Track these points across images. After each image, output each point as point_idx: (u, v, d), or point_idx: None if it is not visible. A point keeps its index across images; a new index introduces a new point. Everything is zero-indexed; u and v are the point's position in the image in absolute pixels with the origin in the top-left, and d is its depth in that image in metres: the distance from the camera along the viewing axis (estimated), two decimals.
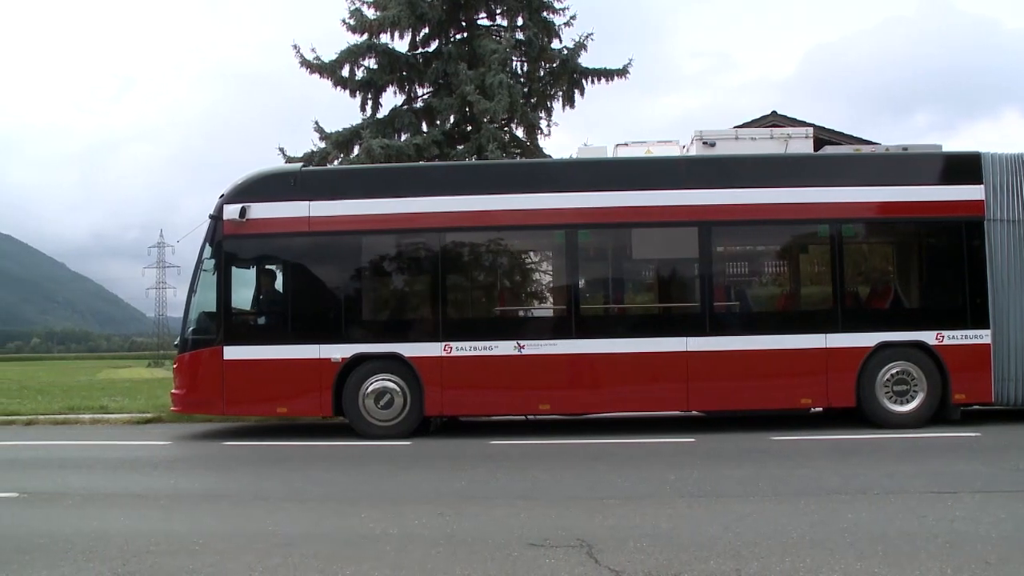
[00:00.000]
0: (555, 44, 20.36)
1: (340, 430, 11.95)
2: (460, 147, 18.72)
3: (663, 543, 5.46)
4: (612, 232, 12.19)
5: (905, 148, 12.32)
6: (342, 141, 19.01)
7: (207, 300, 12.09)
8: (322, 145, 19.29)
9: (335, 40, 19.79)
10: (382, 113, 20.04)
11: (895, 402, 11.50)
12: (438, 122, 19.50)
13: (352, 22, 19.65)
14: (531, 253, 13.11)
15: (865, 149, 13.13)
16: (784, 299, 12.71)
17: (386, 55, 19.72)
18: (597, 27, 20.56)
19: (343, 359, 11.66)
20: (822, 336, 11.54)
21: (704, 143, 12.35)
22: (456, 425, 12.72)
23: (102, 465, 10.01)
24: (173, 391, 12.61)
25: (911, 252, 12.68)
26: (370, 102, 20.07)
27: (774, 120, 17.21)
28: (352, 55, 19.64)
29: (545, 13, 20.20)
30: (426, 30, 20.03)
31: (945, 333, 11.52)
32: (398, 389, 11.59)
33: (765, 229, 12.25)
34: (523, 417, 12.58)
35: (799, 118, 17.21)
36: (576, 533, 5.70)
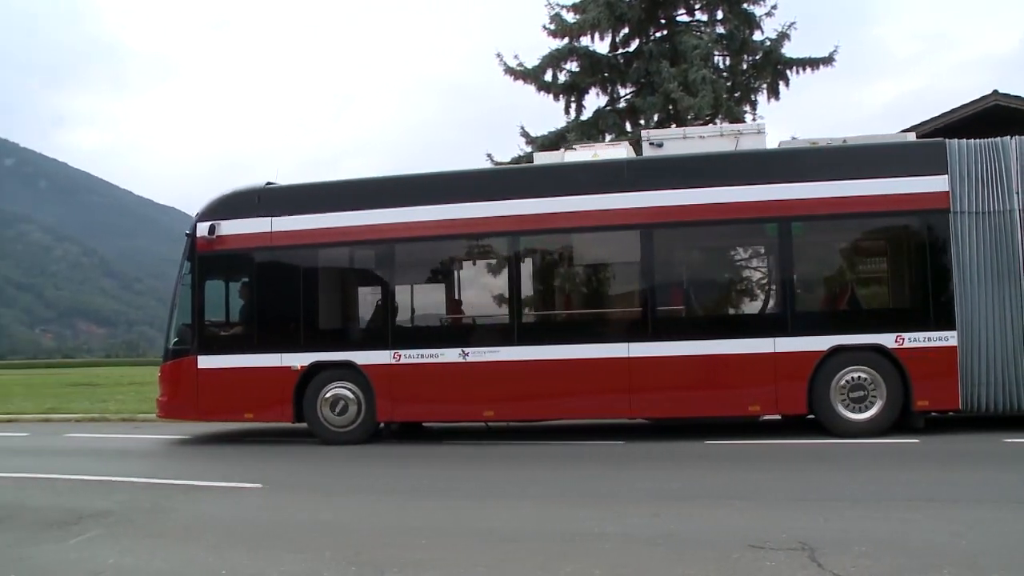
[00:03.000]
0: (756, 36, 20.03)
1: (561, 431, 12.10)
2: None
3: (890, 548, 5.29)
4: (554, 238, 12.02)
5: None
6: (548, 144, 19.38)
7: (185, 312, 12.78)
8: (528, 149, 19.72)
9: (537, 46, 20.32)
10: (586, 115, 20.35)
11: (852, 409, 10.71)
12: (642, 121, 19.53)
13: (552, 27, 20.01)
14: (475, 260, 12.87)
15: (824, 142, 11.82)
16: (730, 302, 12.20)
17: (587, 57, 19.99)
18: (799, 15, 20.08)
19: (302, 367, 12.03)
20: (770, 340, 10.89)
21: (651, 144, 12.04)
22: (416, 430, 13.04)
23: (335, 457, 10.88)
24: (157, 398, 13.19)
25: (869, 250, 11.93)
26: (573, 105, 20.42)
27: (996, 99, 16.02)
28: (554, 59, 20.03)
29: (745, 5, 19.91)
30: (626, 30, 20.13)
31: (906, 335, 10.63)
32: (352, 396, 11.91)
33: (710, 230, 11.61)
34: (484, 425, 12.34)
35: None
36: (797, 535, 5.57)
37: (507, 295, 11.94)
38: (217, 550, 5.91)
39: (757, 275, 12.17)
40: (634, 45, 20.30)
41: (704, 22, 20.02)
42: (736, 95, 19.66)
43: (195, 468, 10.36)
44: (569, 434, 11.73)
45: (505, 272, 12.03)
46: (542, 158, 13.03)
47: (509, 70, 20.20)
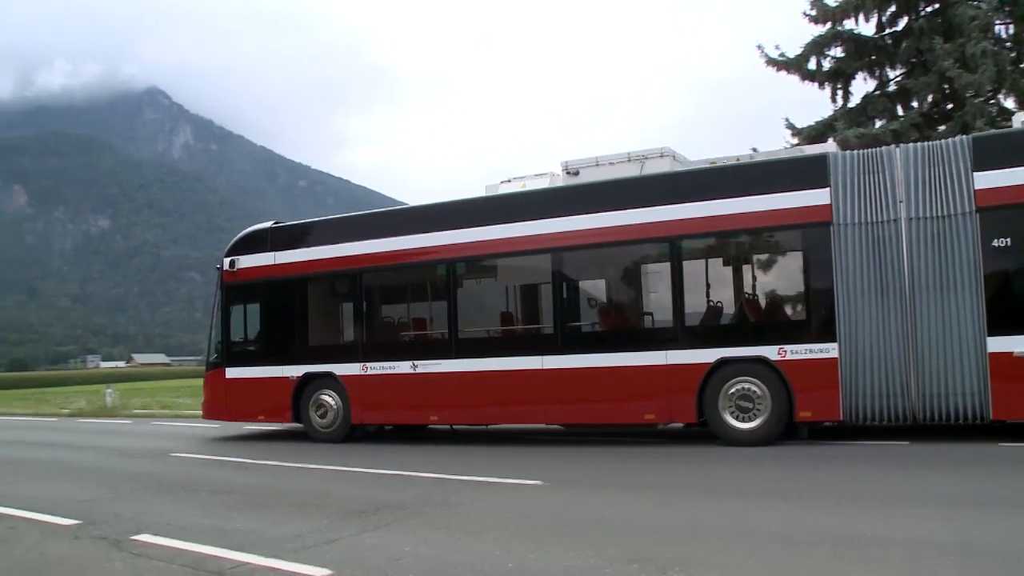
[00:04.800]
0: None
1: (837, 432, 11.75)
2: (941, 127, 17.60)
3: None
4: (483, 263, 13.51)
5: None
6: (814, 135, 18.86)
7: (218, 331, 15.65)
8: (795, 141, 19.29)
9: (798, 34, 19.67)
10: (853, 102, 19.56)
11: (739, 419, 11.15)
12: (914, 104, 18.52)
13: (813, 12, 19.39)
14: (424, 284, 14.43)
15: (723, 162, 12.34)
16: (628, 318, 12.73)
17: (852, 41, 19.23)
18: None
19: (297, 377, 14.53)
20: (663, 353, 11.56)
21: (568, 173, 13.03)
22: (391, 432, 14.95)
23: (615, 456, 11.29)
24: (202, 401, 16.27)
25: (753, 264, 12.16)
26: (840, 92, 19.69)
27: None
28: (817, 46, 19.42)
29: None
30: (893, 8, 19.13)
31: (788, 347, 10.90)
32: (332, 402, 14.24)
33: (610, 251, 12.40)
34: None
35: None
36: None
37: (447, 313, 13.49)
38: (503, 544, 6.21)
39: (652, 292, 12.61)
40: (902, 23, 19.22)
41: None
42: (1022, 66, 18.09)
43: (480, 465, 10.85)
44: (848, 434, 11.35)
45: (446, 293, 13.56)
46: (491, 190, 13.91)
47: (771, 61, 19.77)
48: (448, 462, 11.37)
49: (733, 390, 11.18)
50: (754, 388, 11.08)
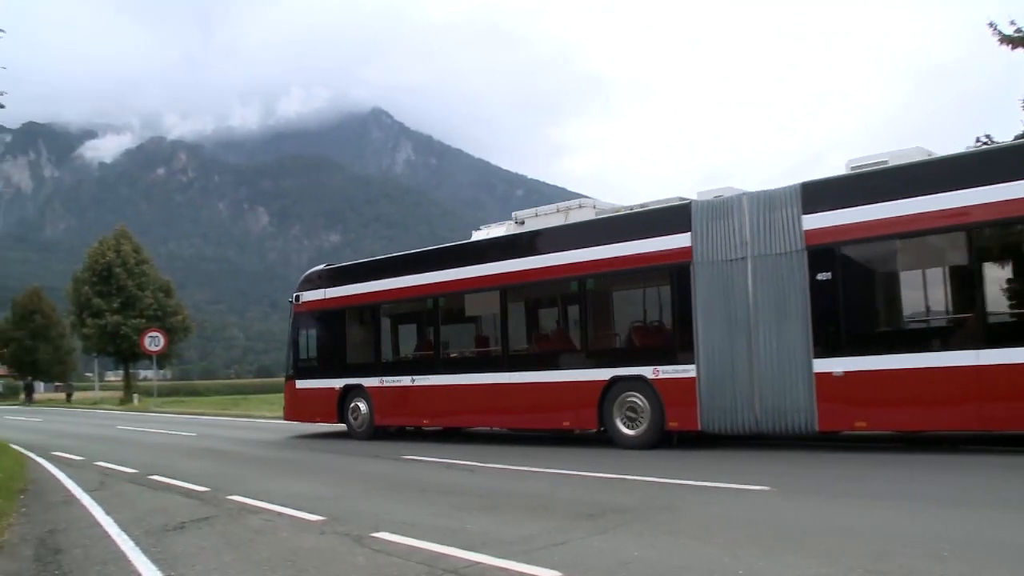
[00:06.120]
0: None
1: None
2: None
3: None
4: (454, 298, 16.74)
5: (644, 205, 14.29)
6: None
7: (291, 351, 20.00)
8: None
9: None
10: None
11: (628, 427, 13.39)
12: None
13: None
14: (418, 313, 17.94)
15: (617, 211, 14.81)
16: (551, 343, 15.49)
17: None
18: None
19: (340, 388, 18.53)
20: (573, 372, 14.25)
21: (516, 223, 16.04)
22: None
23: (847, 462, 10.92)
24: (283, 406, 20.42)
25: (639, 298, 14.51)
26: None
27: None
28: None
29: None
30: None
31: (660, 368, 12.98)
32: (362, 408, 18.09)
33: (537, 287, 15.45)
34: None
35: None
36: None
37: (431, 338, 17.18)
38: (731, 550, 6.10)
39: (569, 321, 15.30)
40: None
41: None
42: None
43: (704, 470, 10.78)
44: None
45: (430, 323, 17.26)
46: (477, 235, 17.21)
47: (1005, 39, 18.27)
48: (669, 466, 11.35)
49: (623, 403, 13.47)
50: (638, 401, 13.27)
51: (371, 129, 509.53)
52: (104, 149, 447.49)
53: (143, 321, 52.85)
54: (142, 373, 71.83)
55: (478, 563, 6.13)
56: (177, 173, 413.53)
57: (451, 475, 11.77)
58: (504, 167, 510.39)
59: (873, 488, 8.92)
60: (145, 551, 7.30)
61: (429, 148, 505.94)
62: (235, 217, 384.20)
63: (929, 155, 11.57)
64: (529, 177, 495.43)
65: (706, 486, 9.27)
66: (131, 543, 7.67)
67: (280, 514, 8.75)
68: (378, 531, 7.46)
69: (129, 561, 6.99)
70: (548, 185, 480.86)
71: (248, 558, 6.84)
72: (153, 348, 43.33)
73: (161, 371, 69.68)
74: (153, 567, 6.70)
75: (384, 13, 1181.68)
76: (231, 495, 10.23)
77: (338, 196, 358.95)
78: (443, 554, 6.45)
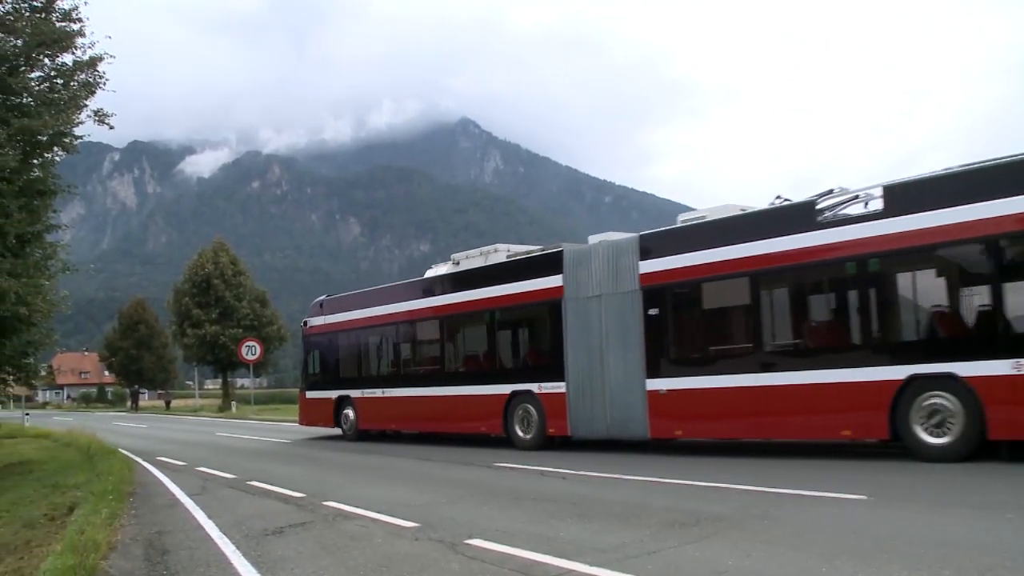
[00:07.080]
0: None
1: None
2: None
3: None
4: (413, 324, 20.06)
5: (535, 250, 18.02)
6: None
7: (302, 367, 24.37)
8: None
9: None
10: None
11: (523, 431, 16.58)
12: None
13: None
14: (385, 337, 21.31)
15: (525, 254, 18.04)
16: (475, 362, 18.49)
17: None
18: None
19: (335, 398, 22.35)
20: (486, 387, 17.49)
21: (454, 263, 19.54)
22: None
23: (946, 470, 10.40)
24: (298, 413, 25.19)
25: (533, 327, 17.52)
26: None
27: None
28: None
29: None
30: None
31: (543, 384, 16.12)
32: (350, 415, 21.84)
33: (464, 317, 18.63)
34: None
35: None
36: None
37: (396, 357, 20.97)
38: (827, 559, 6.00)
39: (484, 344, 18.38)
40: None
41: None
42: None
43: (799, 478, 10.65)
44: None
45: (399, 343, 20.79)
46: (428, 273, 20.98)
47: None
48: (763, 474, 11.28)
49: (517, 412, 16.65)
50: (531, 410, 16.35)
51: (459, 139, 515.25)
52: (203, 164, 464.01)
53: (240, 331, 54.23)
54: (239, 381, 74.03)
55: (572, 571, 6.15)
56: (271, 186, 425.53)
57: (543, 482, 11.83)
58: (592, 174, 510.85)
59: (974, 499, 8.68)
60: (245, 554, 7.58)
61: (517, 156, 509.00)
62: (327, 228, 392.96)
63: (742, 211, 13.99)
64: (617, 184, 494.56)
65: (802, 495, 9.15)
66: (232, 546, 7.98)
67: (374, 520, 8.93)
68: (471, 538, 7.54)
69: (231, 564, 7.27)
70: (636, 191, 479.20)
71: (344, 563, 6.99)
72: (250, 357, 44.39)
73: (257, 379, 71.54)
74: (253, 570, 6.93)
75: (471, 24, 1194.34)
76: (326, 501, 10.52)
77: (428, 206, 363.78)
78: (537, 561, 6.48)
